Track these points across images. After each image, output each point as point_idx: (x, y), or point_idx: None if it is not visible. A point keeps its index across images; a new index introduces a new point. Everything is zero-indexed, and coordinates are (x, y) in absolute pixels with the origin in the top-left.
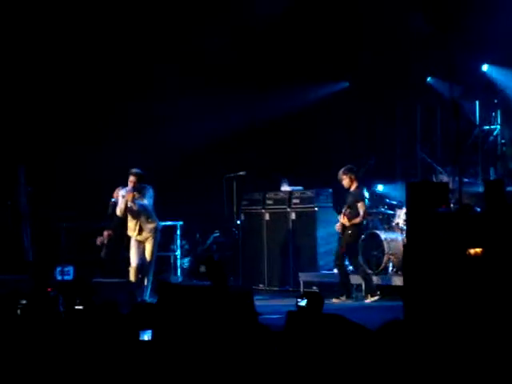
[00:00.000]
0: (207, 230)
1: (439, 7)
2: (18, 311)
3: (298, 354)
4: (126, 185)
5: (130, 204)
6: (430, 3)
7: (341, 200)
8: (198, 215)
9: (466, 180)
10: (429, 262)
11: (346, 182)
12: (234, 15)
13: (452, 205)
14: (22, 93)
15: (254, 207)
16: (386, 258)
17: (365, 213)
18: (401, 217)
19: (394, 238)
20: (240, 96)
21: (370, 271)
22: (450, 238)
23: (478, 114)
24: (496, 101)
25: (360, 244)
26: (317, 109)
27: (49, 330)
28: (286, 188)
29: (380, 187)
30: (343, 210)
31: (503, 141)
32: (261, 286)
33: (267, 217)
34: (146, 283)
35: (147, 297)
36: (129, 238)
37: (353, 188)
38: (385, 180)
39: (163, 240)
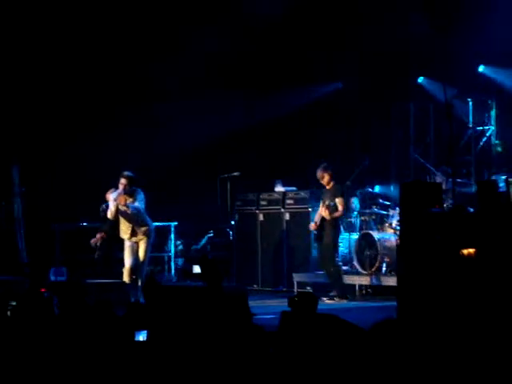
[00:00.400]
0: (201, 231)
1: (436, 9)
2: (8, 313)
3: (293, 354)
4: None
5: (123, 208)
6: (427, 4)
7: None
8: (192, 216)
9: (459, 180)
10: (422, 263)
11: (326, 179)
12: (234, 15)
13: (445, 205)
14: (17, 92)
15: (248, 208)
16: (379, 258)
17: (344, 208)
18: (394, 217)
19: (387, 239)
20: (236, 97)
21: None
22: (444, 239)
23: (471, 115)
24: (490, 101)
25: (353, 244)
26: (311, 110)
27: (43, 330)
28: (279, 189)
29: (374, 188)
30: (321, 205)
31: (497, 141)
32: (255, 286)
33: (261, 217)
34: (139, 284)
35: (141, 297)
36: (123, 240)
37: (331, 185)
38: (379, 180)
39: (157, 240)
